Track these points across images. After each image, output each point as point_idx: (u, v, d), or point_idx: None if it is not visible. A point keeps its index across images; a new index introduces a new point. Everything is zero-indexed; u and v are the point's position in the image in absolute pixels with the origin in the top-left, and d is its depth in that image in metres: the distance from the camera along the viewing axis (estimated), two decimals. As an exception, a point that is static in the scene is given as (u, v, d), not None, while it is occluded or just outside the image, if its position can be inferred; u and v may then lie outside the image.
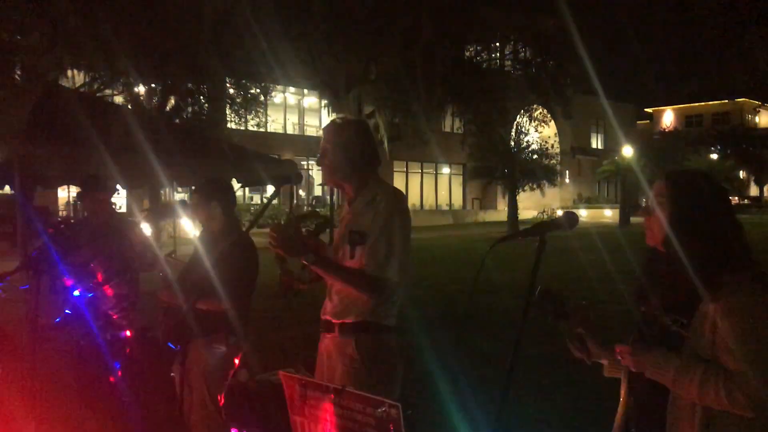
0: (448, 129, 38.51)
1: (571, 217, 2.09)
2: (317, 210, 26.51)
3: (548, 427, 4.65)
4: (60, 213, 27.17)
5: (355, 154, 2.84)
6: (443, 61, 23.78)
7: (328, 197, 23.05)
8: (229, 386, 3.10)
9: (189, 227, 3.98)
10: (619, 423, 2.20)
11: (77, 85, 18.79)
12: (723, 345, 1.87)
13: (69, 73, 18.98)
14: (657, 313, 2.08)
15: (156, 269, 3.82)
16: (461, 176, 42.09)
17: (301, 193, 35.86)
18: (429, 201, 41.30)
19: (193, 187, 5.98)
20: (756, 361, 1.81)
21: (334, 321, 2.82)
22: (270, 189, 35.30)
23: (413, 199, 40.13)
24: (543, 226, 2.05)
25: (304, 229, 2.87)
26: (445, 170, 42.06)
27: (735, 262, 1.94)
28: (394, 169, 38.35)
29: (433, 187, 41.72)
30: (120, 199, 33.85)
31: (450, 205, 42.25)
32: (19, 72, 16.55)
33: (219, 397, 3.63)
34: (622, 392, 2.20)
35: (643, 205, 2.23)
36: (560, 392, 5.42)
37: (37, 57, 15.86)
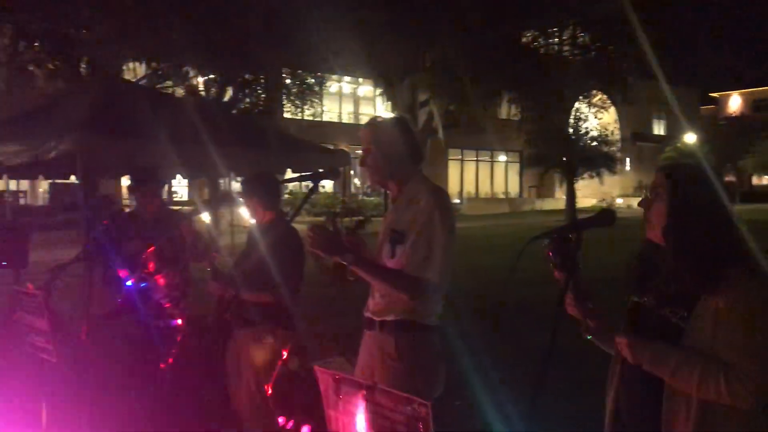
0: (504, 116, 38.04)
1: (607, 215, 2.05)
2: (353, 207, 26.65)
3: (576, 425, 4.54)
4: (123, 202, 28.03)
5: (397, 153, 2.83)
6: (499, 47, 23.45)
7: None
8: (276, 376, 3.13)
9: (247, 216, 4.05)
10: (611, 409, 2.12)
11: (138, 78, 19.27)
12: (724, 338, 1.86)
13: (130, 65, 19.49)
14: (655, 305, 2.02)
15: (206, 261, 3.89)
16: (518, 164, 41.58)
17: (357, 181, 36.08)
18: (485, 189, 40.96)
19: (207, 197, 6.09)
20: (757, 354, 1.83)
21: (375, 319, 2.82)
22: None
23: (468, 187, 39.87)
24: (578, 224, 2.02)
25: (344, 226, 2.86)
26: (502, 158, 41.63)
27: (733, 256, 1.93)
28: (450, 158, 38.15)
29: (488, 175, 41.34)
30: (181, 188, 34.67)
31: (506, 193, 41.83)
32: (84, 65, 17.08)
33: (266, 387, 3.70)
34: (614, 380, 2.12)
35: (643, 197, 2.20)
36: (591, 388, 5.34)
37: (101, 50, 16.34)
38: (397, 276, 2.71)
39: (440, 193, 2.81)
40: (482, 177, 40.86)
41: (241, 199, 4.02)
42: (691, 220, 1.95)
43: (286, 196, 22.10)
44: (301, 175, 3.14)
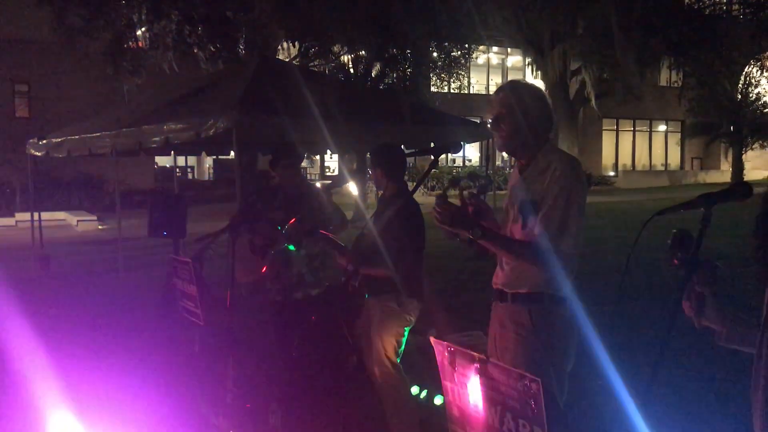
0: (663, 83, 35.75)
1: (741, 188, 1.86)
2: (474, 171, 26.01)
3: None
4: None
5: (532, 121, 2.76)
6: (659, 7, 21.98)
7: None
8: (406, 345, 3.18)
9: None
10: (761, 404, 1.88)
11: (290, 57, 20.02)
12: None
13: (284, 45, 20.28)
14: None
15: (344, 230, 4.02)
16: (678, 134, 39.00)
17: (505, 155, 35.41)
18: (642, 161, 38.82)
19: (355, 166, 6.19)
20: None
21: (507, 291, 2.78)
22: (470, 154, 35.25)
23: (624, 159, 38.00)
24: (708, 198, 1.83)
25: (466, 192, 2.80)
26: (661, 127, 39.21)
27: None
28: (604, 128, 36.55)
29: (646, 146, 39.10)
30: (333, 163, 35.76)
31: (666, 165, 39.40)
32: (241, 47, 18.00)
33: (393, 352, 3.77)
34: (762, 380, 1.88)
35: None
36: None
37: (256, 32, 17.14)
38: (528, 248, 2.65)
39: (574, 163, 2.72)
40: (639, 148, 38.73)
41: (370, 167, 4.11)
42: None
43: (433, 171, 22.18)
44: (420, 150, 3.12)
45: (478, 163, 34.56)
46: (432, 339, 2.18)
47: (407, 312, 3.87)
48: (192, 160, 35.15)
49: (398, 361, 3.89)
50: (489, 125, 2.90)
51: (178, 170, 20.25)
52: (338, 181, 6.46)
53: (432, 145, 9.24)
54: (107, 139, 9.18)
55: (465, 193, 2.80)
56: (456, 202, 2.71)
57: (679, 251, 1.90)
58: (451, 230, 2.64)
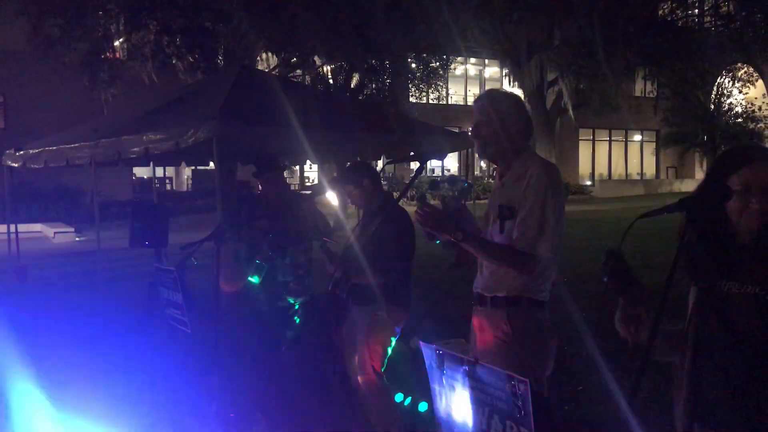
0: (638, 93, 36.23)
1: (722, 189, 1.86)
2: (454, 175, 26.15)
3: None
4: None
5: (510, 128, 2.82)
6: (633, 21, 22.30)
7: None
8: (392, 354, 3.20)
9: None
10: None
11: (270, 68, 20.02)
12: None
13: (263, 56, 20.28)
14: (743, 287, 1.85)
15: (330, 238, 4.03)
16: (654, 143, 39.51)
17: (483, 165, 35.72)
18: (618, 170, 39.27)
19: (335, 174, 6.22)
20: None
21: (486, 295, 2.83)
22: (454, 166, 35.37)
23: (600, 169, 38.40)
24: (691, 201, 1.80)
25: (449, 194, 2.85)
26: (636, 137, 39.70)
27: None
28: (581, 138, 36.91)
29: (622, 156, 39.57)
30: (312, 173, 35.69)
31: (641, 174, 39.88)
32: (220, 57, 17.96)
33: (378, 362, 3.78)
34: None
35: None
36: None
37: (235, 43, 17.12)
38: (508, 252, 2.70)
39: (551, 169, 2.78)
40: (615, 158, 39.17)
41: (348, 187, 4.08)
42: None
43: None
44: (403, 157, 3.18)
45: (457, 173, 34.71)
46: (421, 342, 2.20)
47: (395, 321, 3.89)
48: (170, 171, 34.91)
49: (382, 370, 3.90)
50: (470, 133, 2.94)
51: (156, 181, 20.10)
52: (318, 189, 6.49)
53: (412, 154, 9.31)
54: (85, 150, 9.10)
55: (446, 195, 2.85)
56: (438, 206, 2.75)
57: (610, 270, 1.88)
58: (433, 232, 2.68)
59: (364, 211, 4.24)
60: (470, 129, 2.94)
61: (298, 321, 4.32)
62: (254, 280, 4.36)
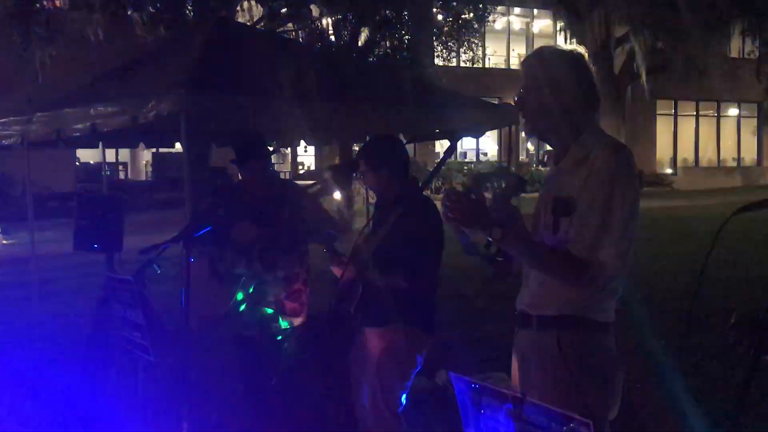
0: (734, 54, 36.02)
1: None
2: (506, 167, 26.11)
3: None
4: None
5: (567, 96, 2.80)
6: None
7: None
8: (410, 388, 3.22)
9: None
10: None
11: (254, 21, 20.06)
12: None
13: (244, 4, 20.30)
14: None
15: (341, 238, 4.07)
16: (754, 119, 39.29)
17: (530, 146, 35.64)
18: (708, 154, 39.08)
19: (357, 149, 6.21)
20: None
21: (531, 313, 2.83)
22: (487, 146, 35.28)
23: (684, 153, 38.24)
24: None
25: (493, 190, 2.86)
26: (732, 111, 39.50)
27: None
28: (658, 112, 36.80)
29: (713, 135, 39.38)
30: (307, 157, 35.83)
31: (738, 160, 39.66)
32: (189, 7, 18.00)
33: (394, 400, 3.79)
34: None
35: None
36: None
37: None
38: (562, 257, 2.69)
39: (621, 150, 2.76)
40: (704, 138, 38.98)
41: (363, 168, 4.13)
42: None
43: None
44: (423, 138, 3.21)
45: (496, 157, 34.66)
46: (451, 375, 2.21)
47: (417, 349, 3.91)
48: (125, 155, 35.14)
49: (399, 411, 3.92)
50: (514, 104, 2.94)
51: (107, 168, 20.24)
52: (325, 188, 6.44)
53: (438, 132, 9.31)
54: (15, 127, 9.15)
55: (496, 191, 2.85)
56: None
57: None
58: (463, 228, 2.68)
59: (377, 199, 4.25)
60: (514, 99, 2.93)
61: (292, 348, 4.35)
62: (237, 296, 4.39)
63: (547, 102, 2.81)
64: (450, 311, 8.36)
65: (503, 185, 2.96)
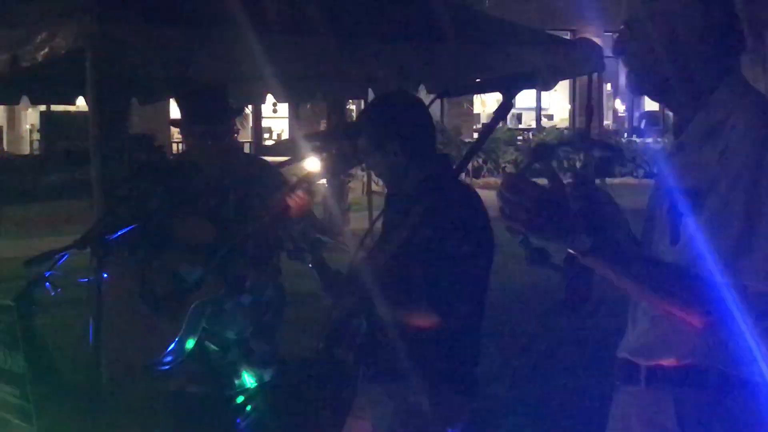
0: None
1: None
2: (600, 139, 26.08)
3: None
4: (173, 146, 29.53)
5: (691, 35, 2.79)
6: None
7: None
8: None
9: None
10: None
11: None
12: None
13: None
14: None
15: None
16: None
17: (619, 105, 35.62)
18: None
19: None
20: None
21: (639, 363, 2.84)
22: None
23: None
24: None
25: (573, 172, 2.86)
26: None
27: None
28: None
29: None
30: (277, 121, 36.38)
31: None
32: None
33: None
34: None
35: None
36: None
37: None
38: (683, 281, 2.67)
39: None
40: None
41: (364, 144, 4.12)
42: None
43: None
44: (460, 90, 3.22)
45: (568, 122, 34.72)
46: None
47: (446, 417, 3.93)
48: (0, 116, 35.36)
49: None
50: (612, 48, 2.94)
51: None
52: (292, 157, 6.37)
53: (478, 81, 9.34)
54: None
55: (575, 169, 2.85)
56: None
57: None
58: (530, 232, 2.65)
59: (387, 188, 4.23)
60: (614, 38, 2.94)
61: (259, 414, 4.38)
62: (187, 344, 4.37)
63: (661, 45, 2.80)
64: (496, 358, 8.39)
65: (587, 164, 2.96)
